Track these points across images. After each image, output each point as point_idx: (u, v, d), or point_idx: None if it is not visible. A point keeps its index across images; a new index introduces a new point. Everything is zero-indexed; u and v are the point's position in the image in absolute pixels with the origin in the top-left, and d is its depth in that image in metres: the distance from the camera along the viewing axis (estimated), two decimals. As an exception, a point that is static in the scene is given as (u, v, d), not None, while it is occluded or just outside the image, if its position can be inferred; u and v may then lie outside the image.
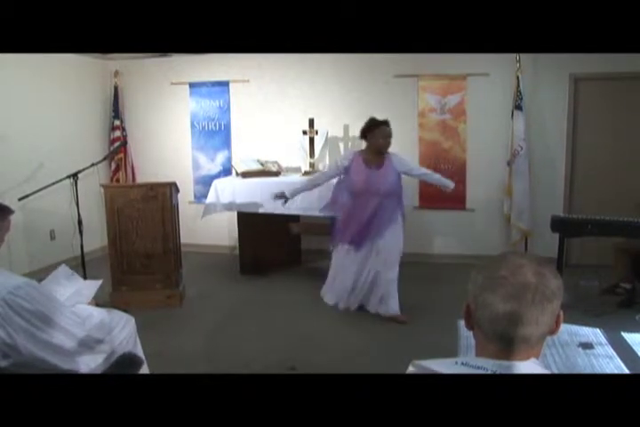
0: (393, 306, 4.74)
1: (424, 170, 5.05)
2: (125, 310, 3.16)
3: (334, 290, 5.04)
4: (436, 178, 4.91)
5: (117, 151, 6.84)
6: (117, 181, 6.99)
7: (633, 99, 5.99)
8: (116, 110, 7.09)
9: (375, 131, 4.64)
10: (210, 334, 4.53)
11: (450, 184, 4.88)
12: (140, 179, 7.12)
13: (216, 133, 7.00)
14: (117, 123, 7.08)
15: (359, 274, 4.83)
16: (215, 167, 7.05)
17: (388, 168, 4.68)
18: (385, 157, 4.70)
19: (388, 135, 4.66)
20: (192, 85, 6.94)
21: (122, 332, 2.81)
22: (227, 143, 6.99)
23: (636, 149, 6.03)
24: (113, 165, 7.04)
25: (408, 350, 4.08)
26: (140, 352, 2.97)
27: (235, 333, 4.56)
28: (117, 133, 7.07)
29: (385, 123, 4.69)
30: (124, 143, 6.80)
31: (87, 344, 2.48)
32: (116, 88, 7.10)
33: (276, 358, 4.01)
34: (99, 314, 2.70)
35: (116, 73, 7.10)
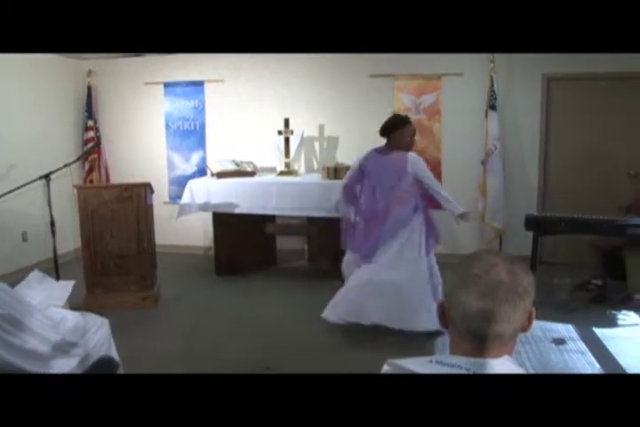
0: None
1: None
2: (100, 313, 3.13)
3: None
4: None
5: (91, 152, 6.76)
6: (91, 181, 6.91)
7: (603, 99, 6.09)
8: (89, 110, 7.01)
9: (404, 128, 4.45)
10: (186, 335, 4.51)
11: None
12: (114, 179, 7.05)
13: (191, 133, 6.96)
14: (91, 123, 7.00)
15: None
16: (190, 168, 7.01)
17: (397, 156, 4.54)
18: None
19: (414, 134, 4.56)
20: (166, 85, 6.89)
21: (96, 334, 2.78)
22: (202, 143, 6.95)
23: (607, 149, 6.13)
24: (86, 166, 6.97)
25: (383, 348, 4.09)
26: (114, 355, 2.94)
27: (211, 334, 4.54)
28: (91, 134, 6.99)
29: (410, 120, 4.56)
30: (98, 144, 6.72)
31: (61, 348, 2.45)
32: (89, 88, 7.02)
33: (253, 358, 4.00)
34: (73, 317, 2.67)
35: (90, 73, 7.02)
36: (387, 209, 4.44)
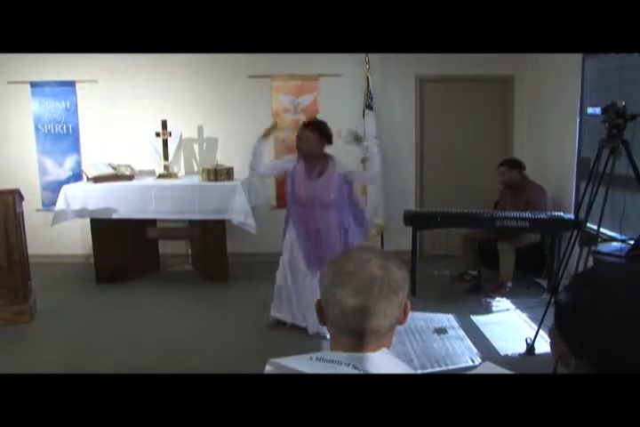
0: None
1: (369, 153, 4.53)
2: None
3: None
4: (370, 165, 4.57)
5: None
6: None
7: (469, 99, 6.48)
8: (-55, 112, 6.50)
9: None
10: (68, 347, 4.30)
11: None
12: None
13: (63, 137, 6.62)
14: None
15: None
16: (64, 172, 6.67)
17: (331, 175, 4.30)
18: (327, 163, 4.32)
19: (301, 138, 4.24)
20: (34, 85, 6.50)
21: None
22: (75, 147, 6.63)
23: (476, 146, 6.50)
24: (-54, 173, 6.47)
25: (272, 350, 4.11)
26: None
27: (96, 344, 4.36)
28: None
29: (305, 125, 4.33)
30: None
31: None
32: (-56, 88, 6.51)
33: (141, 365, 3.88)
34: None
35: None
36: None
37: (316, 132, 4.23)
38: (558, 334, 1.08)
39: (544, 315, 3.99)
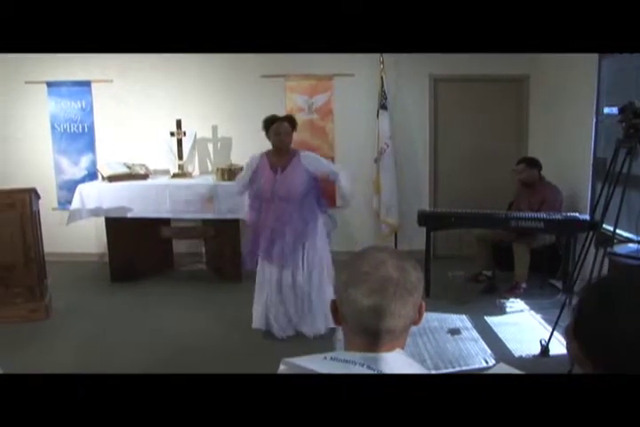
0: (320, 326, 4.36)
1: (340, 174, 4.43)
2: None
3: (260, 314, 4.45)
4: (341, 186, 4.47)
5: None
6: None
7: (482, 99, 6.44)
8: (-36, 112, 6.57)
9: (270, 128, 4.32)
10: (83, 345, 4.34)
11: (343, 202, 4.71)
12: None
13: (79, 136, 6.67)
14: (-34, 126, 6.57)
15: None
16: (80, 171, 6.72)
17: (295, 169, 4.28)
18: (292, 157, 4.32)
19: (281, 132, 4.27)
20: (50, 85, 6.56)
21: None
22: (91, 146, 6.68)
23: (490, 146, 6.47)
24: (-37, 172, 6.53)
25: (284, 350, 4.12)
26: None
27: (110, 342, 4.40)
28: (-33, 137, 6.56)
29: (281, 119, 4.38)
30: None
31: None
32: (-38, 88, 6.57)
33: (154, 363, 3.91)
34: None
35: (-37, 72, 6.57)
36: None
37: (291, 126, 4.36)
38: (575, 337, 1.08)
39: (559, 316, 3.96)
